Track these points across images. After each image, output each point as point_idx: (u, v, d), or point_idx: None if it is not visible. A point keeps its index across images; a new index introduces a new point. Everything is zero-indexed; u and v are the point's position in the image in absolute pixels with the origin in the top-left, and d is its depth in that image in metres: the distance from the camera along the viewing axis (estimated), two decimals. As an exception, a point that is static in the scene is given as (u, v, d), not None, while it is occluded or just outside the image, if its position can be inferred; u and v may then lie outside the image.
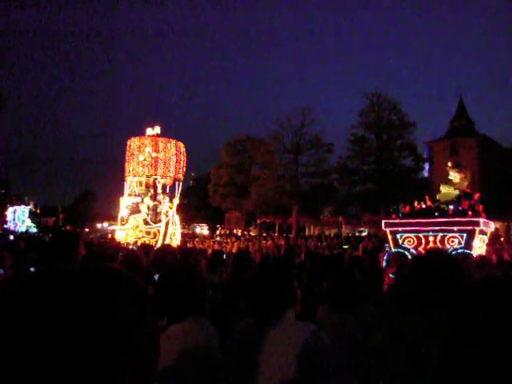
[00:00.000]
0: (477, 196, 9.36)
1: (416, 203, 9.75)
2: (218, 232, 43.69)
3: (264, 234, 35.70)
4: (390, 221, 9.73)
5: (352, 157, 35.56)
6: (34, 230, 35.47)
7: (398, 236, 9.37)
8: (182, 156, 18.69)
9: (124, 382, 0.70)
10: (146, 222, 16.92)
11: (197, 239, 29.95)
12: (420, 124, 41.98)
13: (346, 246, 20.39)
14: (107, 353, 0.68)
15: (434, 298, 1.69)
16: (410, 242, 9.21)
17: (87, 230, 39.01)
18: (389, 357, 1.69)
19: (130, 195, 18.17)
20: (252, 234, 39.82)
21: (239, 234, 39.71)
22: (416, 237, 9.16)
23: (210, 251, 10.90)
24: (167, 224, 16.76)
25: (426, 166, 41.15)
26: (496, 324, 0.73)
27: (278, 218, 41.10)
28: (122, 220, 18.01)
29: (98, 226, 45.74)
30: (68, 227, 35.39)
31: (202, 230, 47.12)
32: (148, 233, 16.69)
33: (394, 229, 9.51)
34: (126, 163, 18.49)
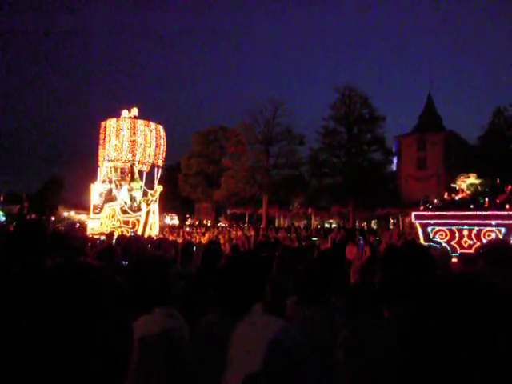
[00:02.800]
0: (509, 189, 8.68)
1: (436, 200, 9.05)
2: (187, 222, 43.46)
3: (234, 225, 35.72)
4: (422, 213, 8.97)
5: (323, 149, 35.89)
6: (1, 218, 34.37)
7: (429, 229, 8.69)
8: (161, 140, 17.40)
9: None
10: (123, 211, 15.47)
11: (166, 229, 29.68)
12: (390, 118, 42.72)
13: (315, 238, 20.60)
14: (107, 350, 0.69)
15: (393, 293, 1.74)
16: (442, 235, 8.52)
17: (53, 218, 38.09)
18: (357, 351, 1.73)
19: (104, 181, 16.79)
20: (222, 224, 39.77)
21: (209, 224, 39.60)
22: (449, 230, 8.47)
23: (179, 241, 10.85)
24: (148, 213, 15.31)
25: (394, 160, 41.91)
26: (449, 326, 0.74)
27: (248, 209, 41.19)
28: (95, 208, 16.62)
29: (65, 214, 44.72)
30: (33, 216, 34.52)
31: (172, 220, 46.75)
32: (126, 222, 15.27)
33: (425, 221, 8.80)
34: (100, 147, 17.00)
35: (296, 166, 37.76)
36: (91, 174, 18.15)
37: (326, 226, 37.01)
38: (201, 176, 44.02)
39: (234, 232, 25.67)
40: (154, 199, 15.84)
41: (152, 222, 15.74)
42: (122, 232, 13.94)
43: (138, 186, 16.61)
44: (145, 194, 16.51)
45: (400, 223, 36.03)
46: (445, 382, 0.71)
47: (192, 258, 5.25)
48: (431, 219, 8.73)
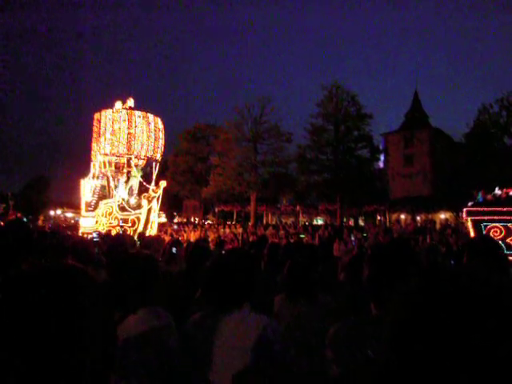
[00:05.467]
0: None
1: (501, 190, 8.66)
2: (175, 220, 43.31)
3: (222, 222, 35.69)
4: (475, 208, 8.57)
5: (310, 147, 35.92)
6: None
7: (482, 226, 8.32)
8: (160, 133, 16.40)
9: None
10: (122, 208, 14.46)
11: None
12: (377, 116, 42.83)
13: (302, 236, 20.68)
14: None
15: (381, 290, 1.75)
16: (496, 232, 8.12)
17: (41, 217, 37.68)
18: (347, 348, 1.74)
19: (97, 177, 15.89)
20: (210, 222, 39.71)
21: (197, 221, 39.53)
22: (504, 227, 8.12)
23: (167, 239, 10.79)
24: (149, 211, 14.41)
25: (382, 157, 42.14)
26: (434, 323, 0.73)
27: (236, 207, 41.17)
28: (88, 205, 15.63)
29: (51, 213, 44.23)
30: (19, 215, 34.12)
31: (160, 217, 46.56)
32: (125, 220, 14.34)
33: (478, 218, 8.39)
34: (94, 140, 16.10)
35: (284, 164, 37.73)
36: (80, 169, 17.50)
37: (314, 223, 37.16)
38: (188, 173, 43.87)
39: (222, 229, 25.65)
40: (157, 196, 14.92)
41: (152, 221, 14.95)
42: (120, 231, 13.38)
43: (138, 175, 15.83)
44: (145, 189, 15.70)
45: (387, 220, 36.35)
46: (435, 381, 0.70)
47: (179, 256, 5.22)
48: (485, 215, 8.41)
